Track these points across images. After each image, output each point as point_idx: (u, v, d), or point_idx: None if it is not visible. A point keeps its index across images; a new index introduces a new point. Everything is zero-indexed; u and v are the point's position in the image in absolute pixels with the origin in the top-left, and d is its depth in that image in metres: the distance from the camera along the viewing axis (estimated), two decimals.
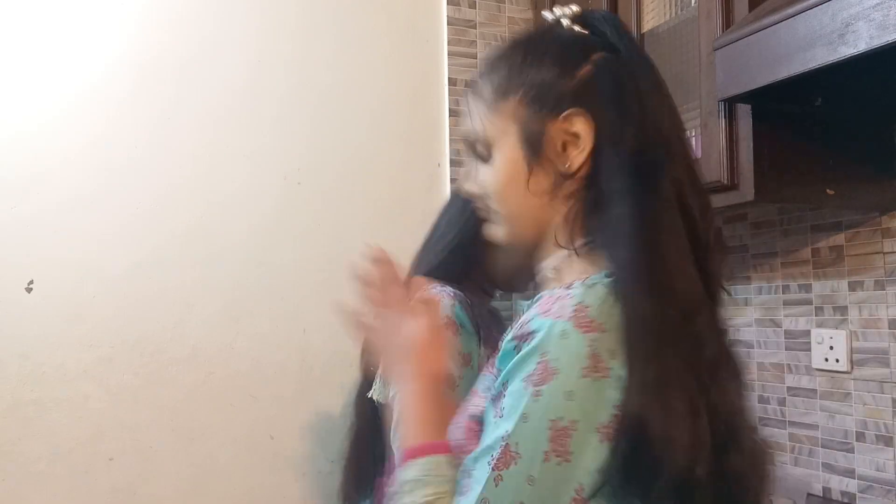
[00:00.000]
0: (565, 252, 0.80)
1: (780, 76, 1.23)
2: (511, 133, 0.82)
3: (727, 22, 1.47)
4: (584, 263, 0.77)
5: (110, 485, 1.72)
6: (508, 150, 0.82)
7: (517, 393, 0.68)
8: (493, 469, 0.66)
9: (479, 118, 0.85)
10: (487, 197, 0.85)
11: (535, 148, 0.81)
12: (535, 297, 0.79)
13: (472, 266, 1.39)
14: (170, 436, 1.79)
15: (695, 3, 1.59)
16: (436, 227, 1.46)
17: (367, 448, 1.40)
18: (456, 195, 1.45)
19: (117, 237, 1.74)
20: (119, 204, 1.75)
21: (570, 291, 0.72)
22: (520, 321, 0.75)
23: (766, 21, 1.25)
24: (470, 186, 0.90)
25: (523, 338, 0.70)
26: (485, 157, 0.85)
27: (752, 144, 1.43)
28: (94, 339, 1.71)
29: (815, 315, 1.73)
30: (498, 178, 0.83)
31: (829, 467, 1.69)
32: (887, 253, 1.57)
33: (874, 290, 1.60)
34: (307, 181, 1.94)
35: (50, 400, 1.66)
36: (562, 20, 0.83)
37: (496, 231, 0.87)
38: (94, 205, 1.72)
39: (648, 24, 1.75)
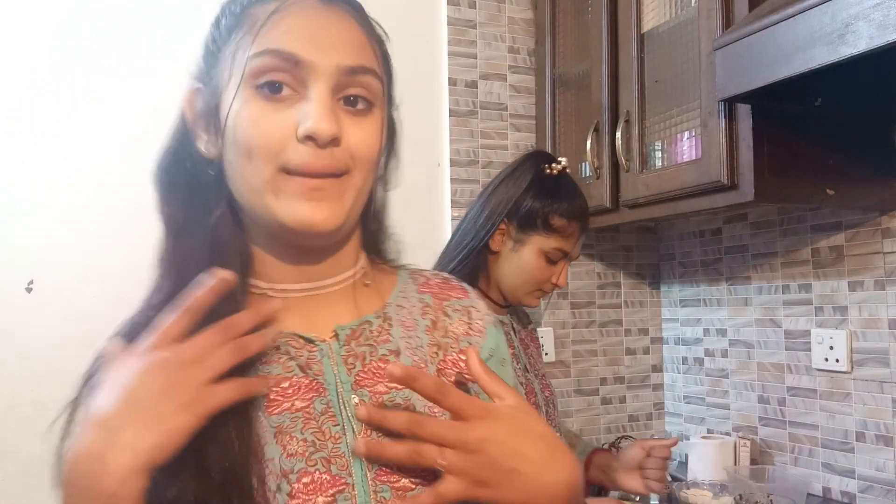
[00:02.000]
0: None
1: (780, 76, 1.23)
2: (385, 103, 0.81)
3: (727, 22, 1.47)
4: None
5: None
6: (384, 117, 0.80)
7: None
8: None
9: None
10: None
11: None
12: None
13: (479, 275, 1.37)
14: None
15: (695, 3, 1.59)
16: (456, 230, 1.43)
17: None
18: (478, 197, 1.42)
19: (118, 237, 1.74)
20: (119, 203, 1.75)
21: None
22: None
23: (766, 21, 1.25)
24: None
25: None
26: None
27: (752, 144, 1.43)
28: (94, 339, 1.71)
29: (815, 315, 1.73)
30: None
31: (829, 467, 1.69)
32: (887, 253, 1.57)
33: (874, 290, 1.60)
34: None
35: (50, 400, 1.65)
36: None
37: None
38: (95, 204, 1.72)
39: (648, 24, 1.75)
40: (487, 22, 2.11)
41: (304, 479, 0.61)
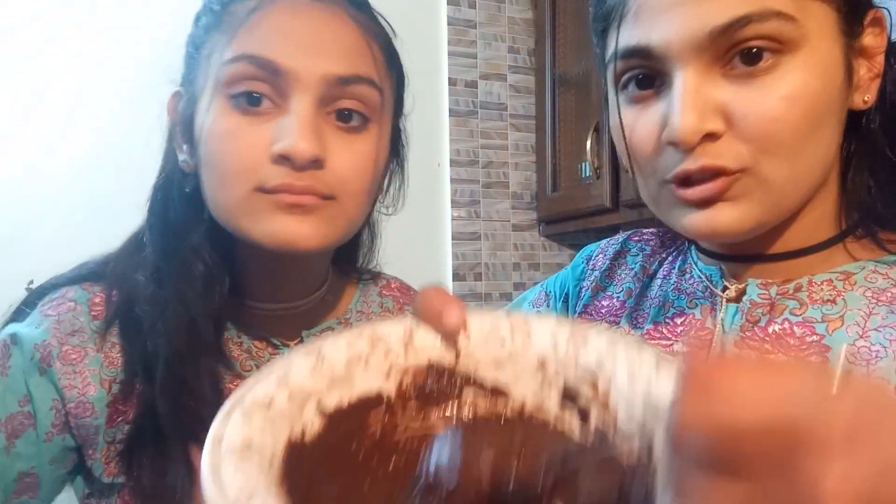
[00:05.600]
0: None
1: None
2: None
3: None
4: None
5: None
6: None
7: None
8: None
9: None
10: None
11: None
12: None
13: None
14: None
15: None
16: None
17: None
18: None
19: (118, 238, 1.74)
20: (119, 203, 1.75)
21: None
22: None
23: None
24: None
25: None
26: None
27: None
28: None
29: None
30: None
31: None
32: None
33: None
34: None
35: None
36: None
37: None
38: (95, 204, 1.72)
39: None
40: (487, 22, 2.11)
41: None
